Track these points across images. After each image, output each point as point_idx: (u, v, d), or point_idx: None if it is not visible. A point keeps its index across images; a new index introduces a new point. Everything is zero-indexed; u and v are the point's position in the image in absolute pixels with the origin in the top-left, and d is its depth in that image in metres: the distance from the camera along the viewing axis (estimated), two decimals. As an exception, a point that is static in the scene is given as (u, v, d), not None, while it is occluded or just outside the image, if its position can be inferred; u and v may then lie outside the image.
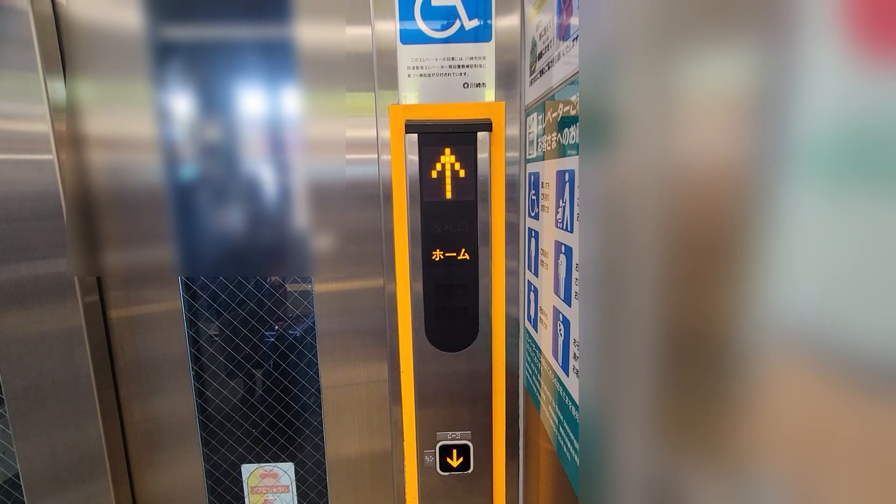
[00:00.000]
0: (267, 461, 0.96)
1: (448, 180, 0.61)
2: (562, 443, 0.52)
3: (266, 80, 0.73)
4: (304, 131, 0.72)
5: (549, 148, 0.53)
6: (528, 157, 0.63)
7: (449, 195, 0.62)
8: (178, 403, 0.89)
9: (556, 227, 0.51)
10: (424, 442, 0.69)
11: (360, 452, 0.86)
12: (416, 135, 0.60)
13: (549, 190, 0.53)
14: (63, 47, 0.70)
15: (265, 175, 0.76)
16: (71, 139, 0.72)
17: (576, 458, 0.47)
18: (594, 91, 0.37)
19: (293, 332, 0.90)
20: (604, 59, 0.36)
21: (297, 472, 0.96)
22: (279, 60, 0.71)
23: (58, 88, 0.70)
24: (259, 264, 0.81)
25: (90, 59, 0.71)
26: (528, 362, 0.67)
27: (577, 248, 0.45)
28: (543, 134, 0.54)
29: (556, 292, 0.52)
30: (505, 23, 0.61)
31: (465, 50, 0.61)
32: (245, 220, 0.78)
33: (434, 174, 0.61)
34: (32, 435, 0.79)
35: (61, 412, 0.79)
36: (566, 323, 0.49)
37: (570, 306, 0.48)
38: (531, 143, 0.60)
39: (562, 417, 0.51)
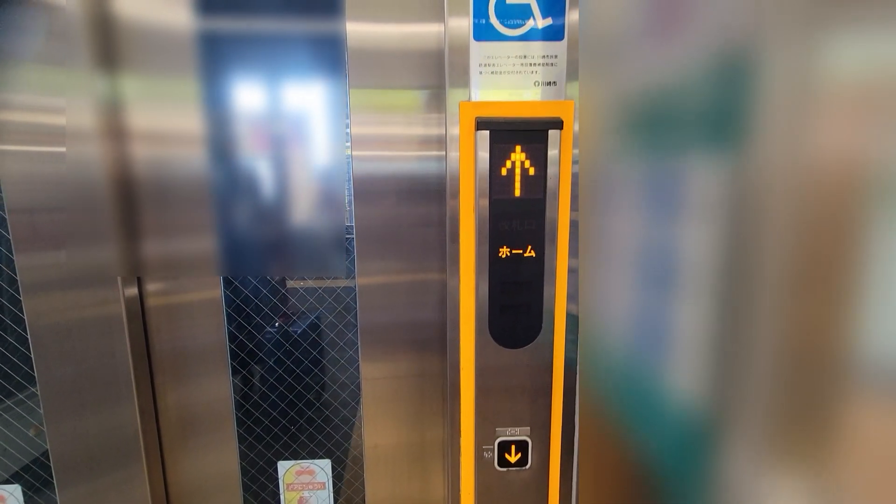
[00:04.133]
0: (304, 457, 0.95)
1: (518, 178, 0.62)
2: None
3: (320, 75, 0.72)
4: (357, 127, 0.71)
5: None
6: (597, 155, 0.63)
7: (518, 193, 0.62)
8: (215, 396, 0.88)
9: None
10: (483, 437, 0.69)
11: (398, 448, 0.86)
12: (487, 132, 0.61)
13: (630, 189, 0.53)
14: (110, 43, 0.70)
15: (314, 173, 0.75)
16: (116, 133, 0.72)
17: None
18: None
19: (332, 325, 0.90)
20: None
21: (333, 469, 0.95)
22: (333, 55, 0.71)
23: (105, 84, 0.70)
24: (302, 265, 0.80)
25: (137, 54, 0.71)
26: (587, 359, 0.68)
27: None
28: (622, 133, 0.55)
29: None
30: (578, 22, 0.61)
31: (537, 48, 0.61)
32: (288, 218, 0.77)
33: (504, 171, 0.62)
34: (65, 419, 0.78)
35: (96, 397, 0.78)
36: (650, 320, 0.50)
37: (656, 303, 0.49)
38: (603, 142, 0.61)
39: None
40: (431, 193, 0.73)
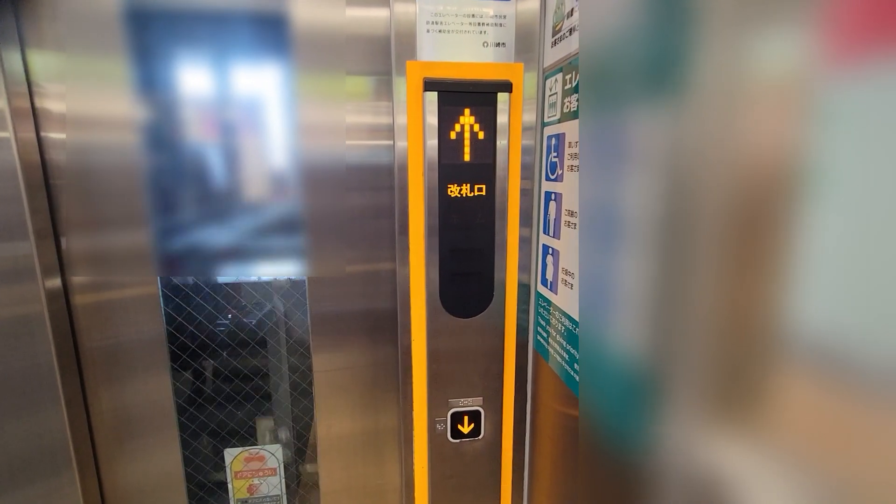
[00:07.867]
0: (253, 444, 0.91)
1: (467, 142, 0.60)
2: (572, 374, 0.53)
3: (258, 57, 0.66)
4: (296, 114, 0.66)
5: (577, 108, 0.53)
6: (546, 119, 0.62)
7: (467, 157, 0.61)
8: (155, 391, 0.82)
9: (585, 186, 0.51)
10: (436, 410, 0.68)
11: (352, 431, 0.84)
12: (435, 93, 0.58)
13: (578, 149, 0.53)
14: (19, 17, 0.62)
15: (255, 163, 0.69)
16: (30, 116, 0.64)
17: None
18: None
19: (283, 308, 0.86)
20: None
21: (285, 454, 0.92)
22: (271, 35, 0.65)
23: (15, 61, 0.62)
24: (249, 264, 0.75)
25: (53, 30, 0.63)
26: (539, 324, 0.68)
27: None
28: (570, 94, 0.54)
29: (583, 252, 0.53)
30: (526, -19, 0.60)
31: (486, 7, 0.59)
32: (233, 213, 0.71)
33: (453, 135, 0.60)
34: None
35: (15, 403, 0.71)
36: (596, 280, 0.50)
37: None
38: (552, 105, 0.60)
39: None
40: (382, 181, 0.70)
